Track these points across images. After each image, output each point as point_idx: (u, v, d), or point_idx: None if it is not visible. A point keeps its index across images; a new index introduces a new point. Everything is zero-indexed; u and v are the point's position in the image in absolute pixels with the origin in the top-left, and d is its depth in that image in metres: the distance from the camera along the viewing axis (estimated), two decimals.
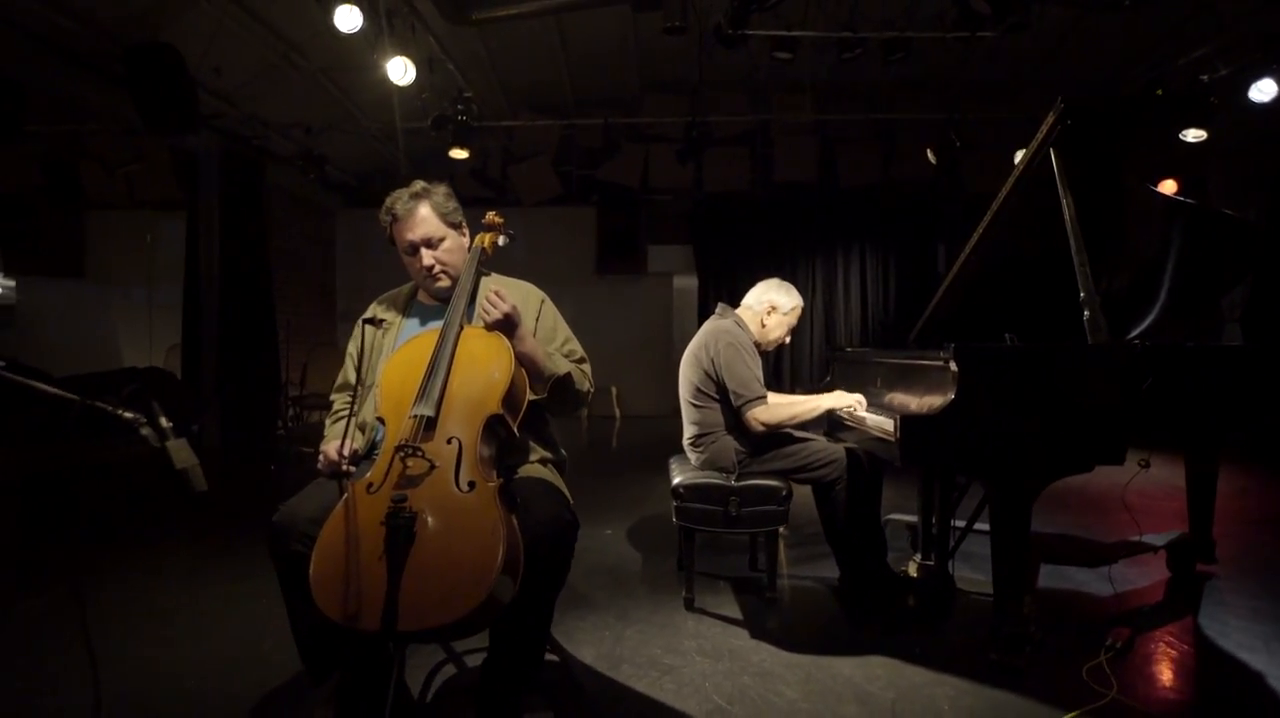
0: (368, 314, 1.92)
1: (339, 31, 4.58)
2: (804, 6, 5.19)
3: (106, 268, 8.50)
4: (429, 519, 1.43)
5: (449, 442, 1.56)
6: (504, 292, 1.73)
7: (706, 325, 2.88)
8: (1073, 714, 1.80)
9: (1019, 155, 7.37)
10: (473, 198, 8.94)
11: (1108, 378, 2.01)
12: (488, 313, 1.68)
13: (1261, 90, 5.49)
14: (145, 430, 1.23)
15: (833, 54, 5.80)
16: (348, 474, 1.63)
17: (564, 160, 8.96)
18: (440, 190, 1.88)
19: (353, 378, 1.94)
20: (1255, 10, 5.74)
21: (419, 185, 1.87)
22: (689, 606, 2.54)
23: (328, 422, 1.96)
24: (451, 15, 6.11)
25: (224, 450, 6.55)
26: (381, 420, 1.67)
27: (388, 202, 1.87)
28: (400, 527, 1.40)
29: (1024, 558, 2.04)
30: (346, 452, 1.63)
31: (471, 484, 1.50)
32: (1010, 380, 1.99)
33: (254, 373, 7.18)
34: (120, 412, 1.22)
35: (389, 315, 1.96)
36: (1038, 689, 1.94)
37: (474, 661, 2.09)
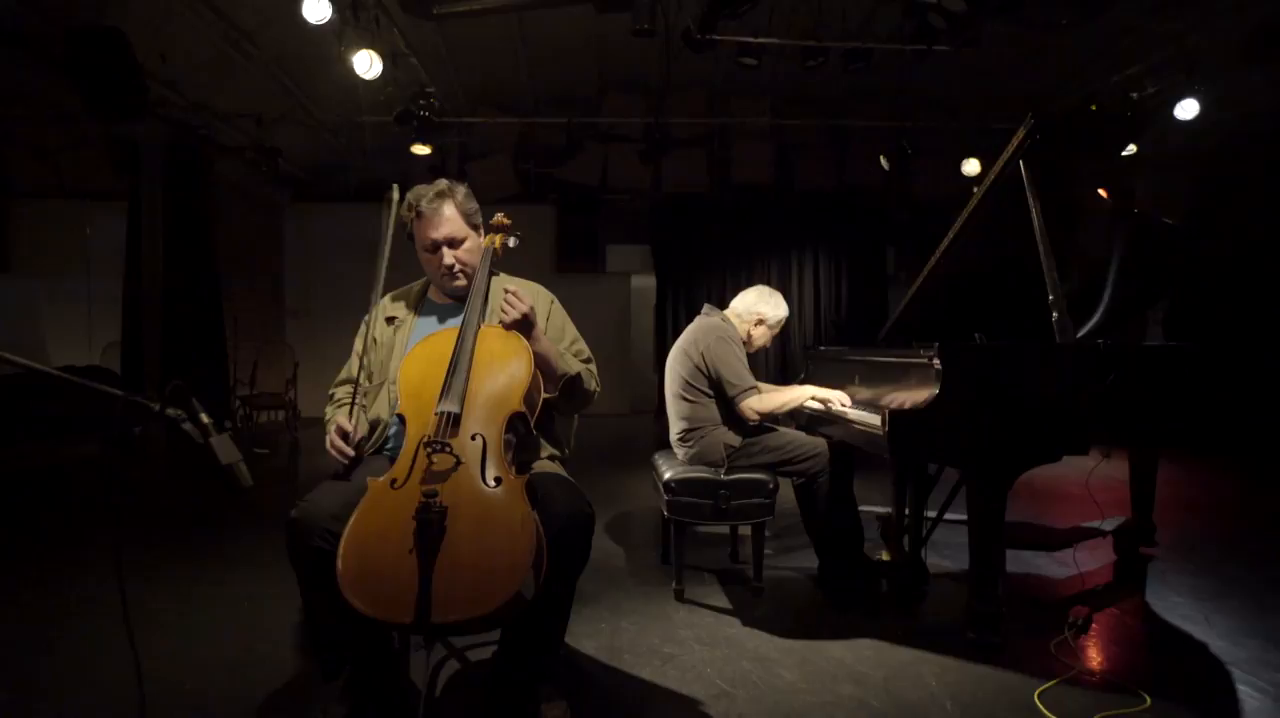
0: (385, 312, 1.93)
1: (307, 22, 4.48)
2: (769, 14, 5.32)
3: (36, 260, 8.05)
4: (459, 513, 1.46)
5: (473, 438, 1.59)
6: (521, 292, 1.77)
7: (695, 323, 2.97)
8: (1049, 685, 1.94)
9: (967, 165, 7.70)
10: None
11: (1076, 375, 2.18)
12: (507, 312, 1.72)
13: (1185, 109, 5.91)
14: (187, 426, 1.23)
15: (790, 61, 5.99)
16: (358, 456, 1.65)
17: (522, 158, 8.93)
18: (461, 190, 1.90)
19: (357, 372, 1.94)
20: (1179, 34, 6.17)
21: (443, 184, 1.88)
22: (679, 597, 2.62)
23: (329, 410, 1.94)
24: (413, 8, 6.04)
25: (170, 453, 6.29)
26: (400, 418, 1.68)
27: (411, 198, 1.87)
28: (432, 520, 1.42)
29: (1000, 543, 2.18)
30: (350, 427, 1.68)
31: (498, 479, 1.54)
32: (990, 377, 2.13)
33: (200, 372, 6.93)
34: (162, 408, 1.21)
35: (400, 312, 1.96)
36: (1014, 664, 2.09)
37: (475, 655, 2.11)
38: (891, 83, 7.76)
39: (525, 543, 1.45)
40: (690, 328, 2.95)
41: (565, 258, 9.20)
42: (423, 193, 1.86)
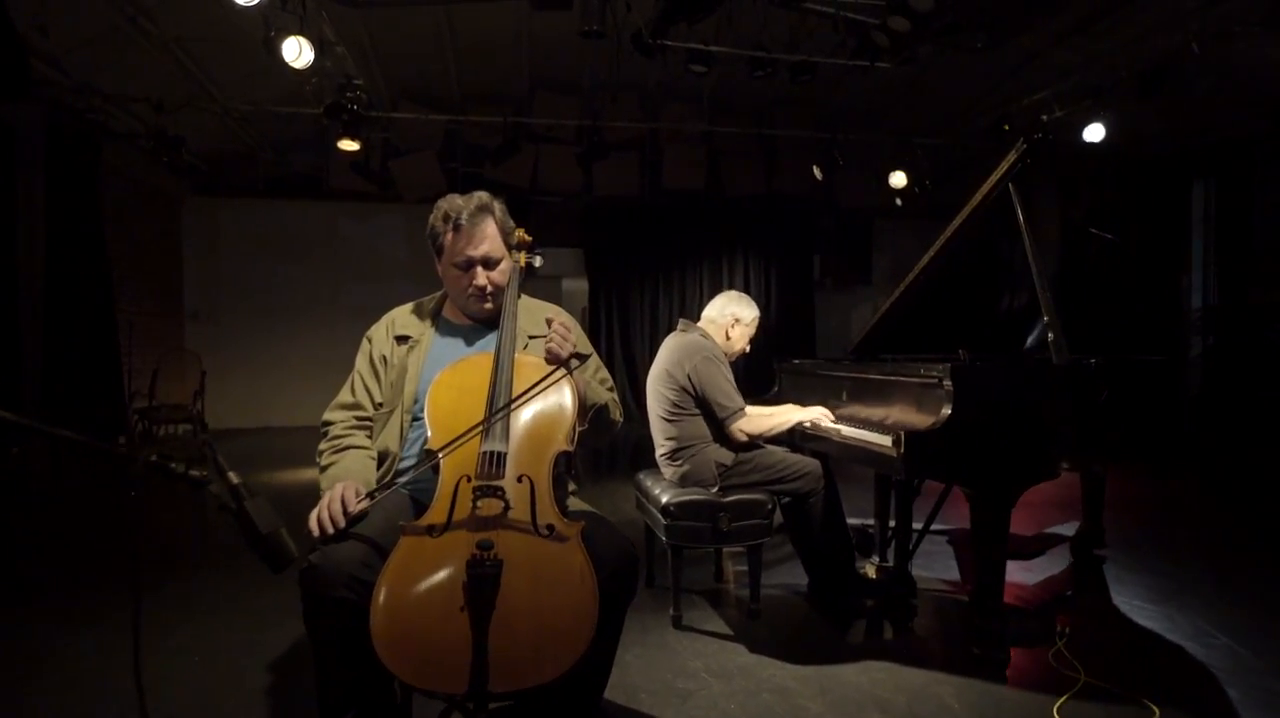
0: (395, 329, 1.74)
1: (236, 5, 4.07)
2: (716, 24, 5.32)
3: None
4: (514, 566, 1.32)
5: (519, 480, 1.44)
6: (569, 322, 1.65)
7: (673, 341, 2.88)
8: (1063, 700, 1.99)
9: (894, 177, 7.96)
10: (353, 192, 8.34)
11: (1076, 392, 2.25)
12: (558, 347, 1.57)
13: (1092, 132, 6.37)
14: (215, 488, 1.03)
15: (734, 69, 6.03)
16: (351, 525, 1.44)
17: (449, 157, 8.58)
18: (499, 206, 1.74)
19: (362, 397, 1.74)
20: (1084, 64, 6.65)
21: (485, 197, 1.72)
22: (677, 624, 2.53)
23: (324, 449, 1.69)
24: None
25: (57, 476, 5.61)
26: (429, 453, 1.50)
27: (446, 207, 1.70)
28: (488, 576, 1.28)
29: (1003, 559, 2.23)
30: (353, 508, 1.43)
31: (550, 528, 1.40)
32: (999, 396, 2.16)
33: (90, 383, 6.23)
34: (186, 469, 1.01)
35: (414, 331, 1.77)
36: (1022, 678, 2.13)
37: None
38: (821, 95, 7.99)
39: (588, 598, 1.33)
40: (670, 346, 2.87)
41: None
42: (462, 205, 1.69)
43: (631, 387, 8.64)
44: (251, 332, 8.56)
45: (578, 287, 9.30)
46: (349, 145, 6.39)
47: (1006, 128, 7.35)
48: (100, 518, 4.35)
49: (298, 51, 4.66)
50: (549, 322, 1.63)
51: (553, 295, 9.28)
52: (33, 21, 5.22)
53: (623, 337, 8.81)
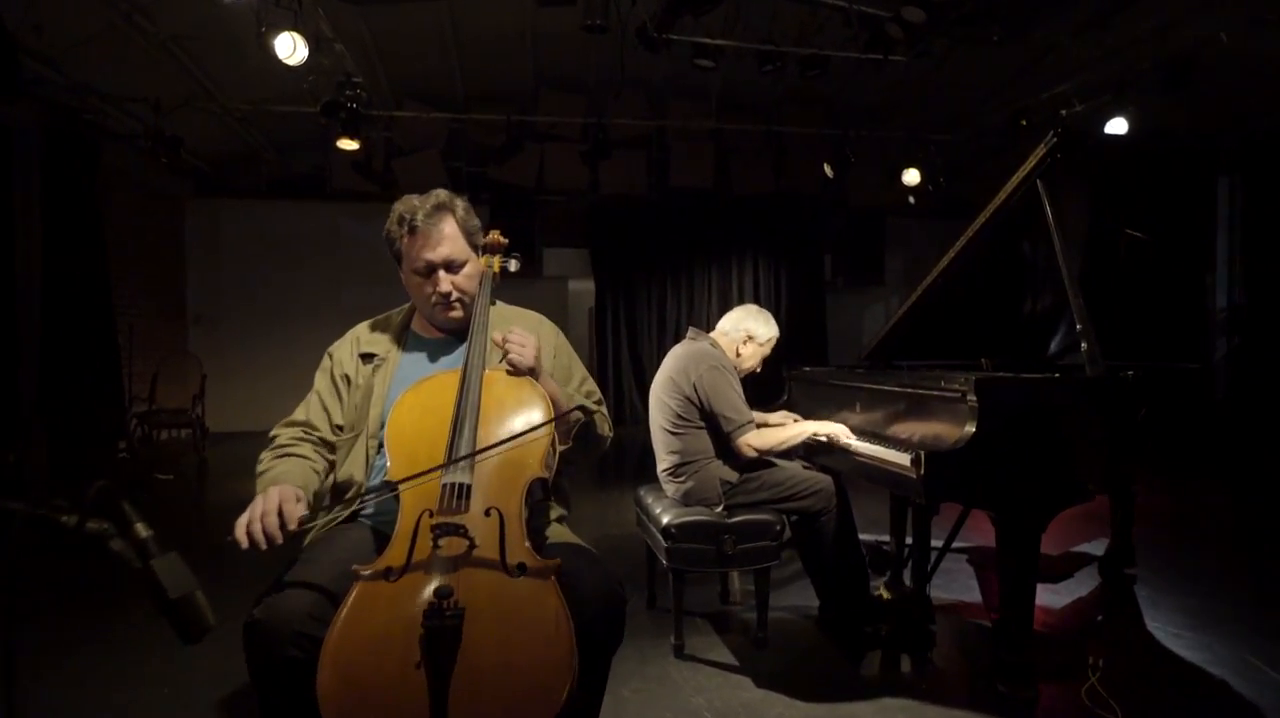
0: (359, 346, 1.58)
1: (224, 1, 3.94)
2: (724, 17, 5.15)
3: None
4: (479, 614, 1.16)
5: (487, 514, 1.28)
6: (523, 329, 1.48)
7: (680, 349, 2.72)
8: None
9: (907, 174, 7.72)
10: (356, 192, 8.23)
11: (1112, 408, 2.06)
12: (519, 356, 1.41)
13: (1115, 126, 6.14)
14: (117, 545, 0.87)
15: (741, 65, 5.86)
16: (291, 539, 1.27)
17: (454, 156, 8.45)
18: (461, 204, 1.58)
19: (316, 417, 1.56)
20: (1104, 57, 6.41)
21: (442, 195, 1.56)
22: (679, 653, 2.36)
23: (264, 456, 1.50)
24: None
25: (53, 482, 5.52)
26: (389, 484, 1.34)
27: (401, 209, 1.54)
28: (448, 628, 1.12)
29: (1032, 590, 2.05)
30: (293, 524, 1.25)
31: (521, 567, 1.24)
32: (1028, 413, 1.98)
33: (89, 387, 6.14)
34: (81, 521, 0.85)
35: (380, 348, 1.61)
36: None
37: None
38: (831, 91, 7.78)
39: (563, 647, 1.17)
40: (676, 354, 2.70)
41: None
42: (417, 205, 1.53)
43: (639, 389, 8.47)
44: (253, 334, 8.47)
45: (584, 287, 9.15)
46: (348, 144, 6.26)
47: (1024, 123, 7.11)
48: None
49: (291, 48, 4.53)
50: (503, 339, 1.46)
51: (559, 296, 9.13)
52: (26, 21, 5.13)
53: (629, 338, 8.64)
